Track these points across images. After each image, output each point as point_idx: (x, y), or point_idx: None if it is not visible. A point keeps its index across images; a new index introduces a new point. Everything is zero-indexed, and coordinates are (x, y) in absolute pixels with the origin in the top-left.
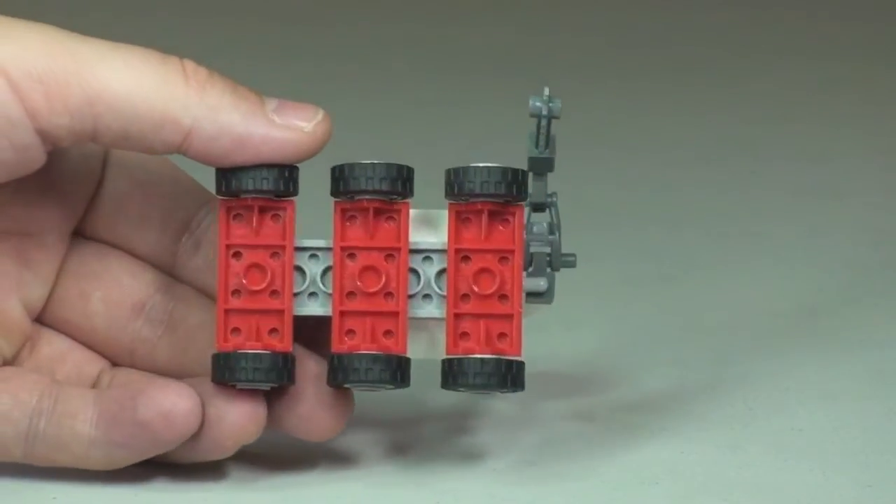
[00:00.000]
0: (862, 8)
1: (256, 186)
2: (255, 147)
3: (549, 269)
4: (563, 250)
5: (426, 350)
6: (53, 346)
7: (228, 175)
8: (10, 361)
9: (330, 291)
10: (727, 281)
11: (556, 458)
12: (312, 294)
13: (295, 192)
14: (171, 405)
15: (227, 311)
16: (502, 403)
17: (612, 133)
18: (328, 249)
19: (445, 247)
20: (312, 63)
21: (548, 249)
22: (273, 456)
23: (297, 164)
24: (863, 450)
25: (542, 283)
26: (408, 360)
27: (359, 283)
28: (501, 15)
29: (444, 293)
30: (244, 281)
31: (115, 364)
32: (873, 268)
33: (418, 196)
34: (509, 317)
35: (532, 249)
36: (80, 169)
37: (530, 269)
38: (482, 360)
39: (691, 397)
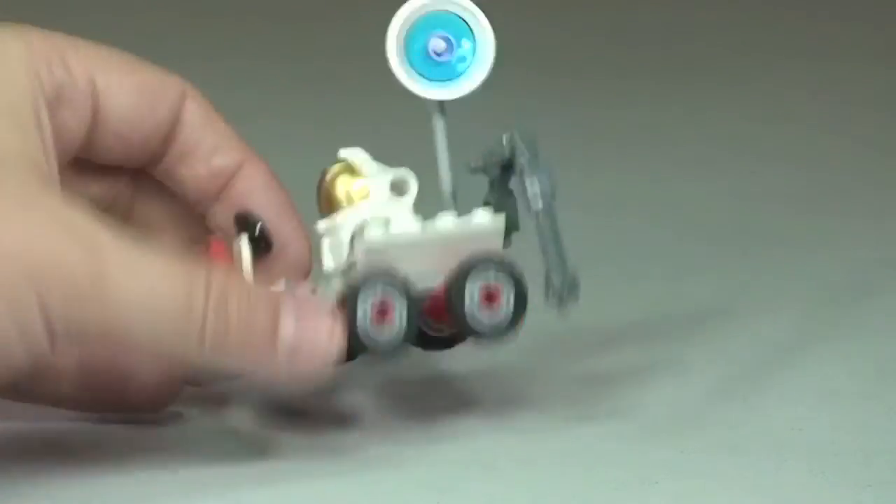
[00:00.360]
0: (862, 8)
1: None
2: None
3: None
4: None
5: None
6: None
7: None
8: None
9: None
10: (726, 280)
11: (557, 457)
12: None
13: None
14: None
15: None
16: (506, 404)
17: (612, 132)
18: None
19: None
20: (312, 62)
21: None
22: (272, 455)
23: None
24: (863, 450)
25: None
26: None
27: None
28: (501, 14)
29: None
30: None
31: None
32: (873, 267)
33: (417, 198)
34: None
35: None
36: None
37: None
38: None
39: (691, 397)
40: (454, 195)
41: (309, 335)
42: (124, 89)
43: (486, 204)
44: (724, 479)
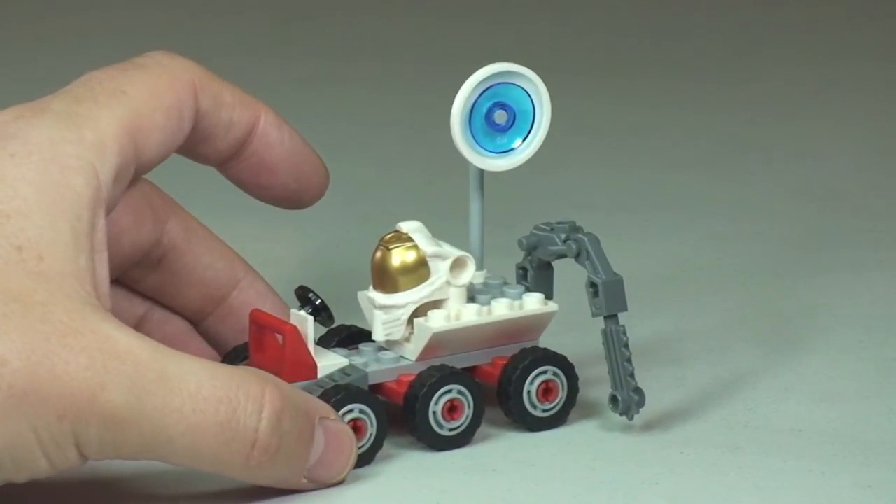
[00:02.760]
0: (862, 8)
1: None
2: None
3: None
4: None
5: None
6: None
7: None
8: None
9: None
10: (726, 281)
11: (556, 458)
12: None
13: None
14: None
15: None
16: (498, 403)
17: (611, 132)
18: None
19: None
20: (313, 61)
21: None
22: None
23: None
24: (863, 450)
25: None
26: None
27: None
28: (501, 13)
29: None
30: None
31: None
32: (872, 267)
33: (417, 200)
34: None
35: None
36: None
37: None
38: None
39: (691, 397)
40: (482, 254)
41: (331, 459)
42: (156, 134)
43: (519, 269)
44: (724, 479)
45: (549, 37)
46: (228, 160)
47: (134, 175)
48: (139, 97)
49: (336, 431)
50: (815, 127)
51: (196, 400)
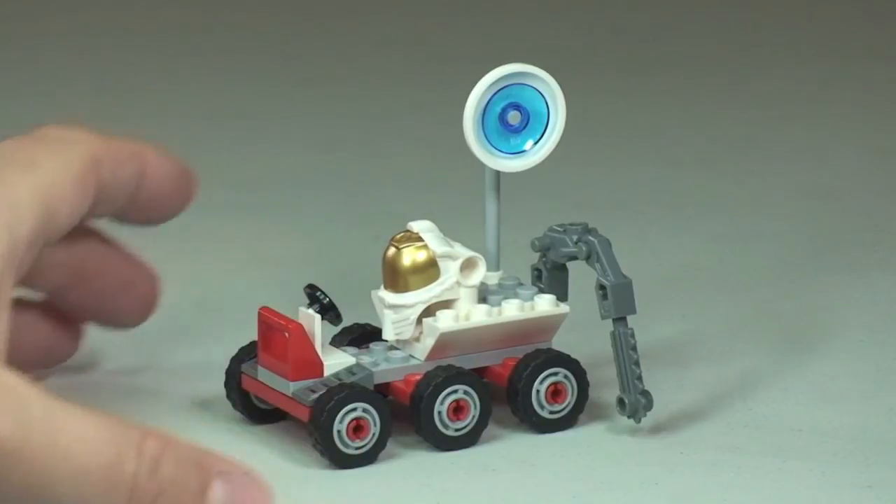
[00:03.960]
0: (862, 8)
1: None
2: None
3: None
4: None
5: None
6: None
7: None
8: None
9: None
10: (727, 281)
11: (557, 458)
12: None
13: None
14: None
15: None
16: (502, 404)
17: (611, 132)
18: None
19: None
20: (313, 61)
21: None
22: (271, 457)
23: None
24: (863, 450)
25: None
26: None
27: None
28: (499, 12)
29: None
30: None
31: None
32: (872, 267)
33: (416, 203)
34: None
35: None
36: None
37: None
38: None
39: (691, 397)
40: (498, 255)
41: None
42: (66, 206)
43: (534, 270)
44: (724, 479)
45: (548, 36)
46: (121, 211)
47: (42, 246)
48: (50, 169)
49: (245, 485)
50: (815, 127)
51: (83, 442)
